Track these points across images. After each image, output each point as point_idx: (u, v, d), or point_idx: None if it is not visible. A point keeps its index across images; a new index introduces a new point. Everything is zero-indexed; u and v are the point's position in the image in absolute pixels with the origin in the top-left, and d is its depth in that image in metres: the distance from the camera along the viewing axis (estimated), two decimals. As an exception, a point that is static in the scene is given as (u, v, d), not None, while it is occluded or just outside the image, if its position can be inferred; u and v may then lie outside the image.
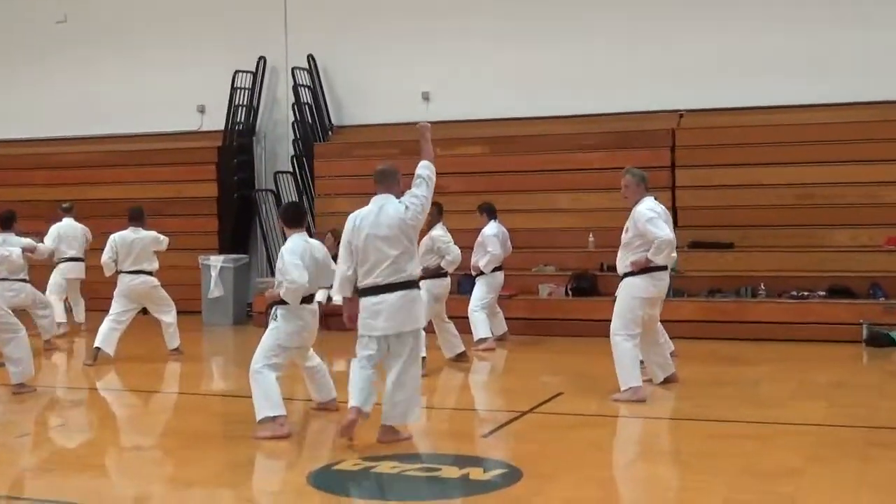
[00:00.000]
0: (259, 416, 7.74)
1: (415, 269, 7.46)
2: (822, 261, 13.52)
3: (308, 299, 7.97)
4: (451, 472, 6.68)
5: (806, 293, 12.98)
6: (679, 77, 15.17)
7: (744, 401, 9.13)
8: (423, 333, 10.27)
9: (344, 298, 7.64)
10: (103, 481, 6.96)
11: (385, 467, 6.79)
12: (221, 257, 15.73)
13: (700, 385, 9.76)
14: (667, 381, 9.64)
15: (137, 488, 6.66)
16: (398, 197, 7.49)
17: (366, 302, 7.38)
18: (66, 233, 14.14)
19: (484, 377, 11.16)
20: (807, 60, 14.59)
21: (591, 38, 15.75)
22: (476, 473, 6.66)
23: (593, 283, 13.95)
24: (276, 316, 7.96)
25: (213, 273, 15.45)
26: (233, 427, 8.35)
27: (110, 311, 11.69)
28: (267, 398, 7.76)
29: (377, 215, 7.37)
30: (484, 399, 10.06)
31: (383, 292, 7.28)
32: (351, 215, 7.52)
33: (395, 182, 7.67)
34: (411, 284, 7.38)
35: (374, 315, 7.33)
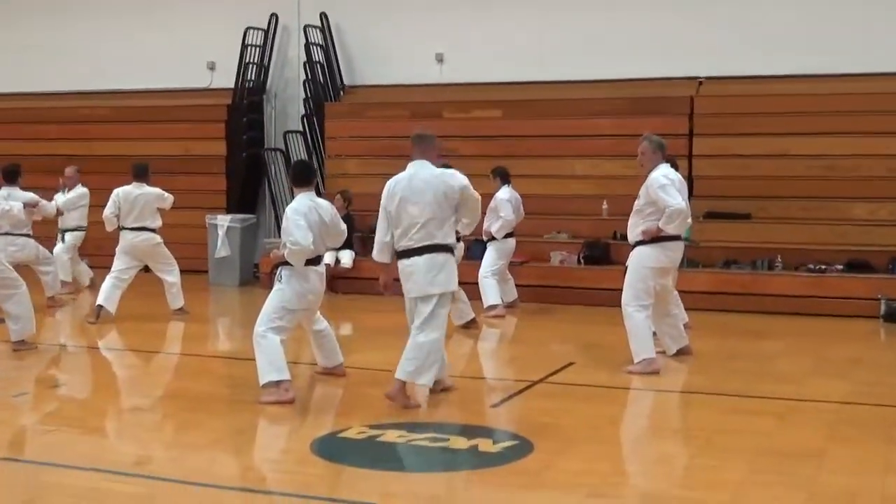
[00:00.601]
0: (262, 381, 7.54)
1: (446, 236, 7.42)
2: (841, 234, 13.22)
3: (315, 261, 7.74)
4: (460, 442, 6.49)
5: (823, 267, 12.71)
6: (699, 44, 14.81)
7: (760, 376, 8.90)
8: (460, 296, 10.17)
9: (382, 264, 7.63)
10: (102, 444, 6.77)
11: (391, 436, 6.59)
12: (229, 217, 15.49)
13: (714, 358, 9.53)
14: (680, 352, 9.41)
15: (135, 452, 6.45)
16: (433, 162, 7.49)
17: (400, 265, 7.48)
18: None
19: (493, 345, 10.94)
20: (829, 30, 14.21)
21: (611, 2, 15.40)
22: (485, 445, 6.46)
23: (606, 252, 13.70)
24: (281, 277, 7.73)
25: (220, 233, 15.22)
26: (236, 391, 8.14)
27: (112, 269, 11.49)
28: (271, 362, 7.55)
29: (410, 180, 7.39)
30: (493, 368, 9.84)
31: (415, 255, 7.34)
32: (388, 181, 7.53)
33: (432, 147, 7.59)
34: (440, 248, 7.36)
35: (406, 278, 7.42)
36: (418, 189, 7.31)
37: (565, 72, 15.43)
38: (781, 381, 8.63)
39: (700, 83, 14.96)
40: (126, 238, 11.51)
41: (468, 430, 6.78)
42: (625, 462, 6.57)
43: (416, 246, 7.33)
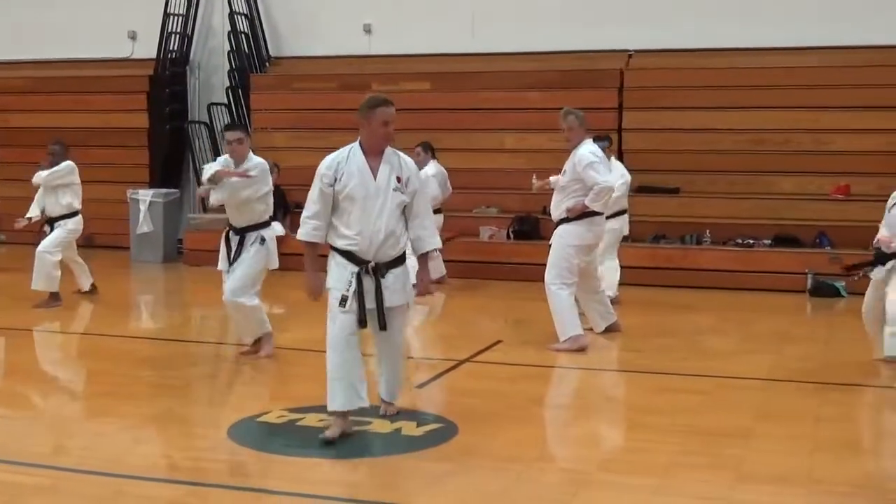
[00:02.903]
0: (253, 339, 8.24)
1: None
2: (769, 208, 13.23)
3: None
4: (383, 426, 6.31)
5: (751, 241, 12.72)
6: (629, 16, 14.69)
7: (689, 352, 8.84)
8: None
9: None
10: (9, 431, 6.45)
11: (311, 420, 6.39)
12: (151, 191, 15.10)
13: (643, 335, 9.45)
14: (608, 329, 9.33)
15: (45, 441, 6.17)
16: (362, 140, 6.11)
17: None
18: None
19: (420, 323, 10.74)
20: (758, 3, 14.20)
21: (541, -27, 15.24)
22: (409, 428, 6.28)
23: (536, 227, 13.57)
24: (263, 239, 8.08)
25: (143, 208, 14.82)
26: (155, 374, 7.88)
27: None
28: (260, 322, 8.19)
29: None
30: (419, 346, 9.63)
31: None
32: None
33: (359, 121, 6.29)
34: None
35: None
36: None
37: (495, 44, 15.24)
38: (709, 358, 8.58)
39: (630, 56, 14.86)
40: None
41: (395, 415, 6.58)
42: (551, 444, 6.44)
43: None
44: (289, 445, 5.97)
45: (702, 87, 14.10)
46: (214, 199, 8.18)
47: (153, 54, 16.31)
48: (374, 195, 5.95)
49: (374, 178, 5.95)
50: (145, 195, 14.94)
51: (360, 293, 5.95)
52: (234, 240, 8.13)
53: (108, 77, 16.44)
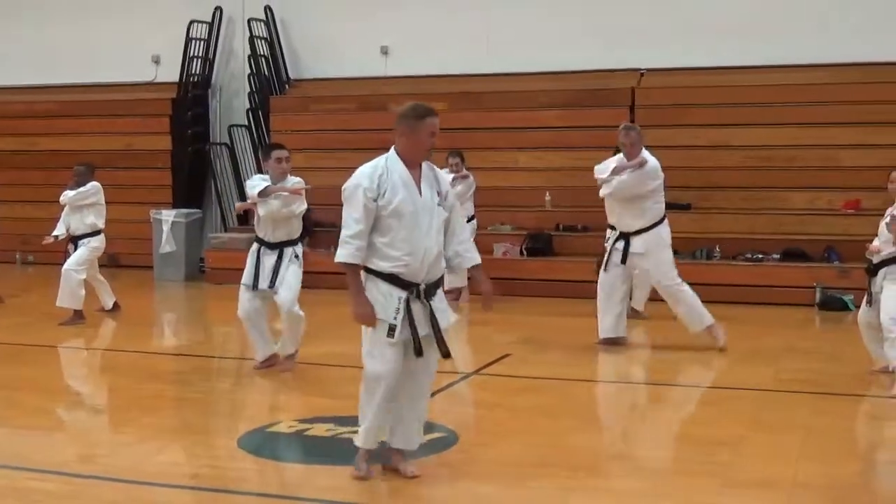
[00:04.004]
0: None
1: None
2: (780, 223, 13.43)
3: None
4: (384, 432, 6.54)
5: (761, 256, 12.92)
6: (641, 36, 14.95)
7: (694, 364, 9.09)
8: None
9: None
10: (24, 442, 6.73)
11: (319, 430, 6.66)
12: (173, 212, 15.46)
13: (649, 348, 9.67)
14: (612, 342, 9.55)
15: (68, 450, 6.48)
16: (401, 151, 5.56)
17: None
18: None
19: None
20: (768, 21, 14.41)
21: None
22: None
23: (549, 243, 13.82)
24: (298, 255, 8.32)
25: (165, 228, 15.19)
26: (175, 388, 8.19)
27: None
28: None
29: None
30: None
31: None
32: None
33: (398, 130, 5.65)
34: None
35: None
36: None
37: (510, 64, 15.53)
38: (713, 369, 8.81)
39: (642, 75, 15.12)
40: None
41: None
42: (549, 454, 6.65)
43: None
44: (298, 453, 6.25)
45: (712, 105, 14.33)
46: (264, 211, 8.39)
47: (176, 78, 16.71)
48: (423, 210, 5.45)
49: (420, 191, 5.47)
50: (168, 215, 15.31)
51: (410, 320, 5.43)
52: (271, 255, 8.34)
53: (132, 100, 16.86)
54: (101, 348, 10.48)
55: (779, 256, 12.90)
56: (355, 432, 5.79)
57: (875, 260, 8.12)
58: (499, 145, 15.07)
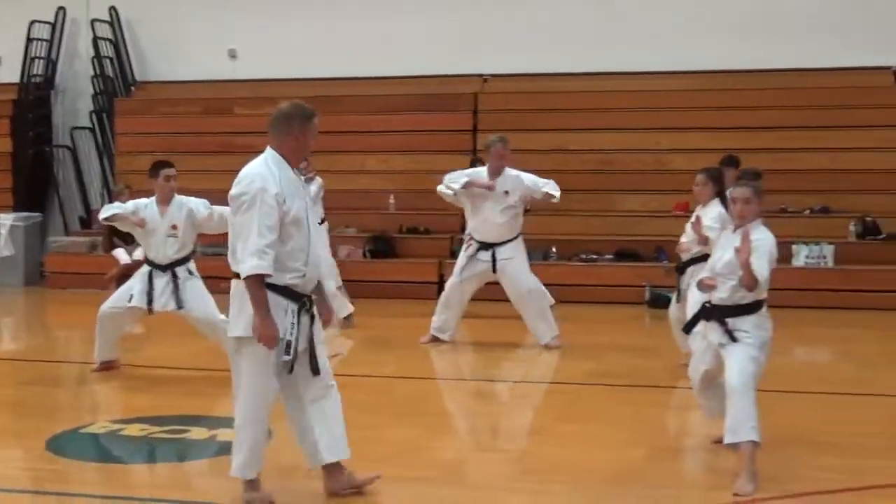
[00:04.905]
0: None
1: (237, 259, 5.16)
2: (614, 225, 13.92)
3: None
4: (200, 433, 6.64)
5: (595, 256, 13.36)
6: (485, 42, 15.28)
7: (518, 361, 9.36)
8: None
9: None
10: None
11: (133, 430, 6.69)
12: (12, 215, 15.16)
13: (476, 346, 9.93)
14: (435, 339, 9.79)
15: None
16: (288, 153, 5.17)
17: None
18: None
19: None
20: (604, 31, 14.91)
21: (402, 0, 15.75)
22: (225, 434, 6.59)
23: (392, 246, 14.01)
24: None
25: (3, 231, 14.88)
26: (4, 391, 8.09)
27: None
28: None
29: None
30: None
31: None
32: None
33: (286, 130, 5.21)
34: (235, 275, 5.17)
35: None
36: None
37: (357, 68, 15.68)
38: (534, 365, 9.11)
39: (485, 80, 15.46)
40: None
41: (212, 421, 6.92)
42: (360, 448, 6.79)
43: None
44: (106, 453, 6.28)
45: (553, 111, 14.76)
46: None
47: (17, 79, 16.37)
48: (311, 216, 5.17)
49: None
50: (6, 219, 15.00)
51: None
52: (163, 276, 8.17)
53: (-28, 101, 16.46)
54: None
55: (612, 257, 13.36)
56: (169, 431, 5.84)
57: (684, 258, 8.51)
58: (347, 149, 15.19)
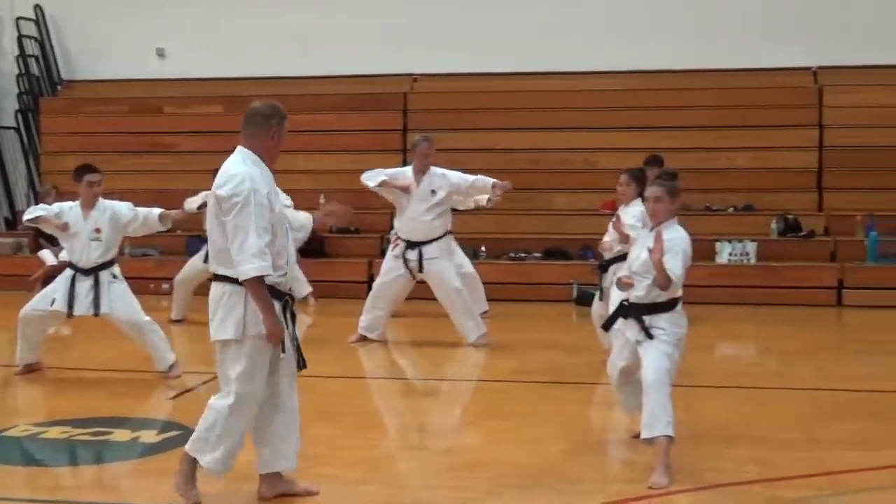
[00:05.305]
0: None
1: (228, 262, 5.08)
2: (543, 224, 14.07)
3: None
4: (123, 435, 6.62)
5: (524, 254, 13.49)
6: (414, 41, 15.37)
7: (445, 359, 9.42)
8: None
9: None
10: None
11: (54, 433, 6.65)
12: (-69, 216, 14.93)
13: (404, 345, 10.00)
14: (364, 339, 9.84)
15: None
16: (264, 153, 5.15)
17: None
18: None
19: (193, 337, 10.94)
20: (533, 31, 15.05)
21: (329, -1, 15.78)
22: (148, 436, 6.62)
23: (321, 245, 14.00)
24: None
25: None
26: None
27: None
28: None
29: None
30: (184, 360, 9.85)
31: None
32: None
33: (263, 129, 5.18)
34: (220, 279, 5.11)
35: None
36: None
37: (287, 67, 15.66)
38: (460, 364, 9.18)
39: (415, 80, 15.53)
40: None
41: (136, 423, 6.92)
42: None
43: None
44: (27, 457, 6.25)
45: (482, 110, 14.89)
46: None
47: (-61, 77, 16.14)
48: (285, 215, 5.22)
49: None
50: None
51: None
52: (85, 280, 8.11)
53: None
54: None
55: (540, 255, 13.51)
56: (92, 433, 5.76)
57: (606, 257, 8.66)
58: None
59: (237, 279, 4.94)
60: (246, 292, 4.95)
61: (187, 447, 5.26)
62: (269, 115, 5.16)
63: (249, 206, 4.87)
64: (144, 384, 8.19)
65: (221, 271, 5.05)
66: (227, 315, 5.02)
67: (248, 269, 4.87)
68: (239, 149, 5.15)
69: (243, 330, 4.97)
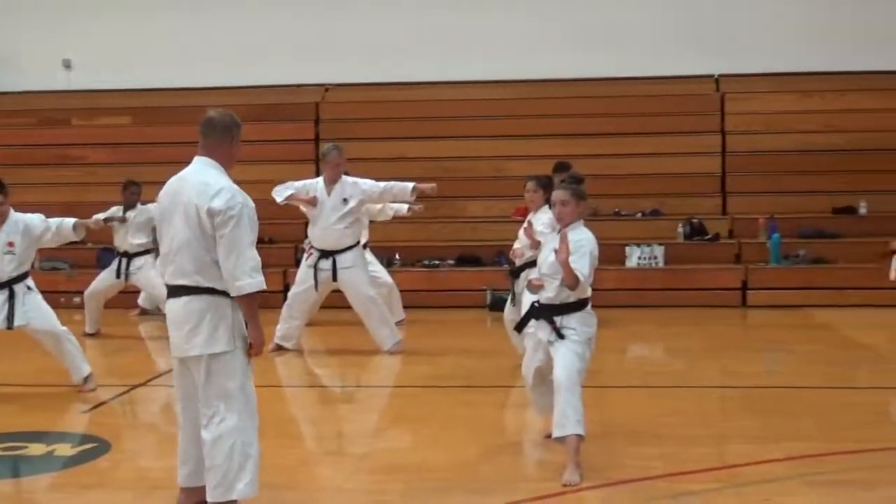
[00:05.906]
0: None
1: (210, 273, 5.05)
2: (455, 231, 14.24)
3: None
4: (38, 448, 6.61)
5: (438, 262, 13.65)
6: (326, 51, 15.44)
7: (361, 367, 9.53)
8: None
9: None
10: None
11: (-13, 447, 6.62)
12: None
13: (323, 353, 10.07)
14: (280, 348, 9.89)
15: None
16: (225, 162, 5.26)
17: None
18: None
19: (104, 352, 10.85)
20: (442, 41, 15.22)
21: (241, 8, 15.71)
22: (63, 449, 6.62)
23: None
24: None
25: None
26: None
27: None
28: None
29: (178, 181, 5.27)
30: (98, 373, 9.80)
31: (170, 296, 5.19)
32: None
33: (225, 139, 5.31)
34: (200, 291, 5.03)
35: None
36: (173, 200, 5.18)
37: (196, 79, 15.58)
38: (372, 372, 9.29)
39: (326, 90, 15.60)
40: None
41: (51, 437, 6.89)
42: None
43: (169, 283, 5.20)
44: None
45: (393, 119, 15.02)
46: None
47: None
48: None
49: None
50: None
51: None
52: (1, 295, 8.04)
53: None
54: None
55: (454, 262, 13.68)
56: (4, 448, 5.75)
57: (518, 263, 8.84)
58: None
59: (224, 291, 4.94)
60: (231, 303, 4.97)
61: (215, 500, 5.02)
62: (229, 124, 5.26)
63: (244, 220, 4.94)
64: (58, 398, 8.13)
65: (204, 284, 5.00)
66: (215, 328, 4.99)
67: (248, 283, 4.89)
68: (201, 158, 5.21)
69: (234, 340, 5.01)
